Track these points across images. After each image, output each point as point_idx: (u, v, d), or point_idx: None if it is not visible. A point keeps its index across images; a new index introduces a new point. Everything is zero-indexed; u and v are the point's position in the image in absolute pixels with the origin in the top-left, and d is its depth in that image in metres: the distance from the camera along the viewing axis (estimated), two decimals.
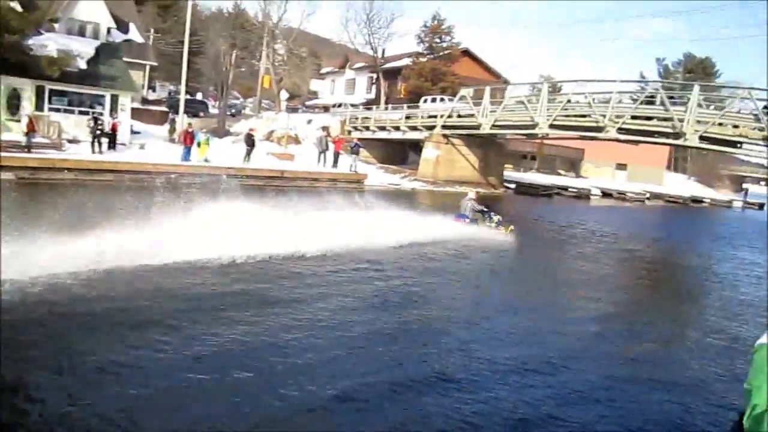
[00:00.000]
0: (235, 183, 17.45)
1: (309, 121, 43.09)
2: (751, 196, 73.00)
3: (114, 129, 27.73)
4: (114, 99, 29.48)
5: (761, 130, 25.71)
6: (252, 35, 52.57)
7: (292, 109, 48.66)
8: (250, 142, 29.82)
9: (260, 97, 51.23)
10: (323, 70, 66.07)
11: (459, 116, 38.01)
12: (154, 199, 13.05)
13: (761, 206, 65.73)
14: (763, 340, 1.25)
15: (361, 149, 35.88)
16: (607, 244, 22.03)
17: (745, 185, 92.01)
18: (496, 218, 17.98)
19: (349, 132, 42.39)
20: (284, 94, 41.61)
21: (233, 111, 50.35)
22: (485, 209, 18.27)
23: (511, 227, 17.72)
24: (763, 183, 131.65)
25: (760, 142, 26.21)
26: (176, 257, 10.60)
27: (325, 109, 54.91)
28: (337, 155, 33.47)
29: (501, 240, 17.02)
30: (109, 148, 27.12)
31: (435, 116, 39.01)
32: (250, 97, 65.50)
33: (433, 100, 43.33)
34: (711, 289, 15.93)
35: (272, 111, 46.42)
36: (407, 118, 41.05)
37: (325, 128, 40.87)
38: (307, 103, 61.96)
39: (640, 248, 22.12)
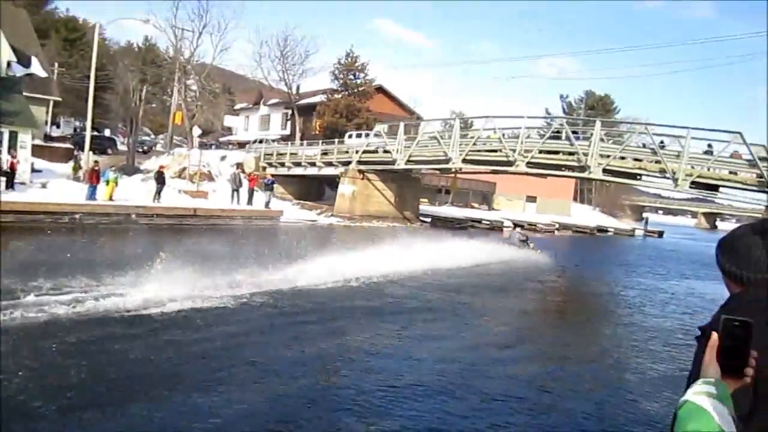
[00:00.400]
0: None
1: (223, 158, 42.42)
2: (651, 225, 77.09)
3: (12, 168, 26.31)
4: (13, 136, 27.97)
5: (658, 162, 27.29)
6: (163, 70, 51.56)
7: (206, 146, 47.80)
8: (160, 179, 28.99)
9: (172, 133, 50.07)
10: (237, 106, 65.47)
11: (374, 152, 38.44)
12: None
13: (660, 234, 69.46)
14: (687, 396, 1.24)
15: (275, 185, 35.62)
16: (524, 275, 22.58)
17: (645, 214, 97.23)
18: (532, 244, 27.95)
19: (264, 168, 42.02)
20: (197, 131, 40.81)
21: (145, 147, 48.96)
22: (525, 238, 28.56)
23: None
24: (660, 212, 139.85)
25: (657, 174, 27.79)
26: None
27: (240, 145, 54.32)
28: (251, 192, 33.05)
29: (536, 257, 25.44)
30: (7, 187, 25.68)
31: (350, 152, 39.29)
32: (161, 133, 64.00)
33: (359, 136, 43.39)
34: (620, 315, 16.57)
35: (184, 147, 45.44)
36: (324, 154, 41.16)
37: (239, 165, 40.34)
38: (221, 139, 61.14)
39: (553, 278, 22.79)
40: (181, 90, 46.49)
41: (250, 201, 32.83)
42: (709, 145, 27.38)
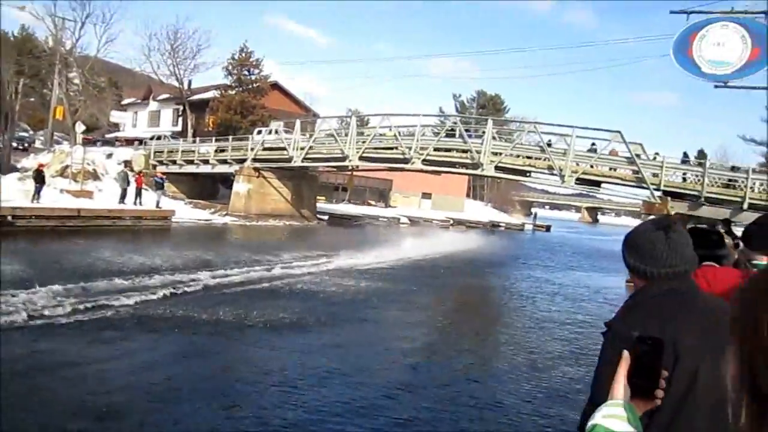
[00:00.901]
0: None
1: (109, 155, 40.37)
2: (539, 219, 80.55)
3: None
4: None
5: (546, 160, 28.52)
6: (42, 62, 48.35)
7: (90, 143, 45.27)
8: (39, 178, 27.16)
9: (52, 129, 47.05)
10: (125, 101, 62.45)
11: (270, 149, 37.84)
12: None
13: (548, 228, 72.64)
14: (597, 419, 1.19)
15: (165, 184, 34.37)
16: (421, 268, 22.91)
17: (533, 209, 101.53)
18: None
19: (154, 166, 40.40)
20: (80, 127, 38.47)
21: (24, 144, 45.72)
22: None
23: None
24: (547, 207, 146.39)
25: (546, 171, 29.05)
26: None
27: (128, 142, 51.87)
28: (139, 191, 31.66)
29: None
30: None
31: (245, 149, 38.46)
32: (41, 129, 60.02)
33: (269, 132, 41.04)
34: (512, 307, 17.14)
35: (67, 144, 42.86)
36: (221, 151, 40.04)
37: (127, 163, 38.55)
38: (107, 135, 58.13)
39: (449, 271, 23.26)
40: (62, 83, 43.79)
41: (138, 200, 31.46)
42: (593, 144, 28.92)
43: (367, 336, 11.73)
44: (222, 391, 7.68)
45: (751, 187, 24.19)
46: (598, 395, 1.59)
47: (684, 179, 26.63)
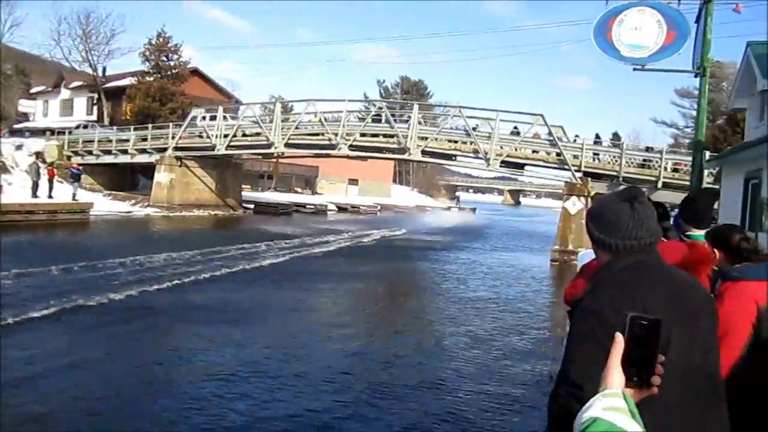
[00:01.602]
0: None
1: (19, 147, 38.28)
2: (462, 203, 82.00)
3: None
4: None
5: (471, 143, 28.95)
6: None
7: None
8: None
9: None
10: (34, 90, 59.25)
11: (192, 137, 36.83)
12: None
13: (473, 210, 74.16)
14: (596, 412, 1.08)
15: (82, 176, 32.94)
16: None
17: (457, 193, 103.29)
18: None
19: (69, 157, 38.62)
20: None
21: None
22: None
23: None
24: (471, 190, 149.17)
25: (471, 154, 29.49)
26: None
27: (39, 132, 49.27)
28: (51, 183, 30.17)
29: None
30: None
31: (166, 138, 37.24)
32: None
33: (212, 118, 39.14)
34: (446, 288, 17.30)
35: None
36: (142, 140, 38.60)
37: (38, 154, 36.65)
38: (16, 126, 55.03)
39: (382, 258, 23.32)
40: None
41: (50, 194, 29.99)
42: (515, 127, 29.53)
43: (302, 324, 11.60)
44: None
45: (665, 167, 25.33)
46: (577, 377, 1.54)
47: (595, 158, 27.52)
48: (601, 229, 1.89)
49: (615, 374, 1.11)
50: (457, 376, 8.69)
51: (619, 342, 1.12)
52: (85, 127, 43.38)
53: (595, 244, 1.94)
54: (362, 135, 31.76)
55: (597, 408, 1.06)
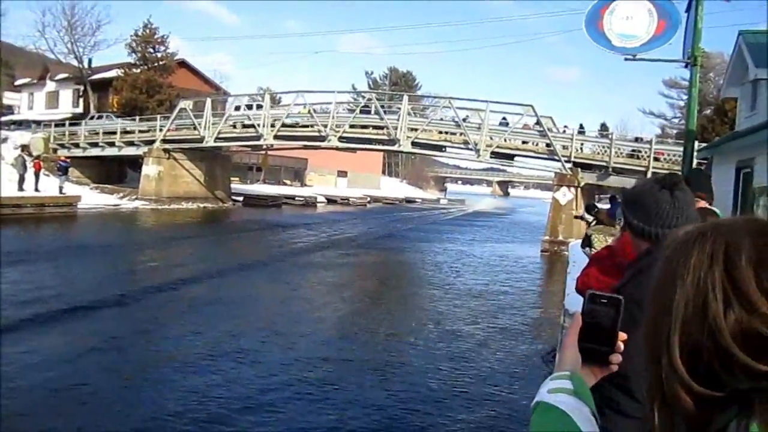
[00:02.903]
0: None
1: (4, 140, 37.84)
2: (450, 194, 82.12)
3: None
4: None
5: (462, 134, 28.92)
6: None
7: None
8: None
9: None
10: (18, 82, 58.50)
11: (180, 129, 36.55)
12: None
13: (462, 201, 74.36)
14: (541, 395, 1.04)
15: (70, 168, 32.64)
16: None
17: (446, 184, 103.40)
18: None
19: (55, 150, 38.25)
20: None
21: None
22: None
23: None
24: (460, 182, 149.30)
25: (462, 145, 29.46)
26: None
27: (24, 125, 48.70)
28: (37, 176, 29.86)
29: None
30: None
31: (153, 130, 36.91)
32: None
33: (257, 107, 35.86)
34: (437, 279, 17.29)
35: None
36: (124, 132, 38.24)
37: (24, 147, 36.24)
38: (1, 119, 54.43)
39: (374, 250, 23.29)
40: None
41: (37, 187, 29.69)
42: (504, 118, 29.54)
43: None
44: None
45: (655, 158, 25.43)
46: (623, 368, 1.51)
47: (581, 149, 27.51)
48: (640, 217, 1.85)
49: (568, 353, 1.07)
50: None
51: (577, 320, 1.05)
52: (99, 117, 42.38)
53: (632, 231, 1.90)
54: (352, 126, 31.64)
55: (543, 391, 1.03)
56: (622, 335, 1.03)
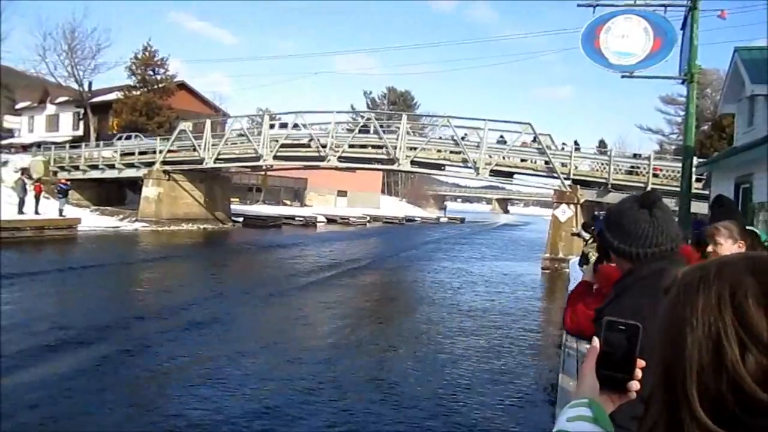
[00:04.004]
0: None
1: (4, 163, 37.95)
2: (450, 212, 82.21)
3: None
4: None
5: (460, 153, 29.02)
6: None
7: None
8: None
9: None
10: (18, 105, 58.85)
11: (180, 150, 36.64)
12: None
13: (462, 220, 74.34)
14: (561, 425, 1.03)
15: (70, 191, 32.70)
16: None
17: (445, 203, 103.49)
18: None
19: (55, 173, 38.35)
20: None
21: None
22: None
23: None
24: (459, 200, 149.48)
25: (460, 164, 29.54)
26: None
27: (24, 148, 48.89)
28: (37, 199, 29.90)
29: None
30: None
31: (154, 152, 37.01)
32: None
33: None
34: (438, 297, 17.25)
35: None
36: (124, 155, 38.34)
37: (24, 170, 36.33)
38: (1, 142, 54.64)
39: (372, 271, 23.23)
40: None
41: (37, 210, 29.71)
42: (501, 136, 29.68)
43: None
44: None
45: (654, 174, 25.47)
46: None
47: (576, 167, 27.49)
48: (620, 238, 1.85)
49: (586, 381, 1.06)
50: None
51: (594, 347, 1.05)
52: (128, 138, 41.60)
53: (614, 253, 1.90)
54: (351, 146, 31.75)
55: (562, 420, 1.02)
56: (641, 362, 1.02)
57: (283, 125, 34.69)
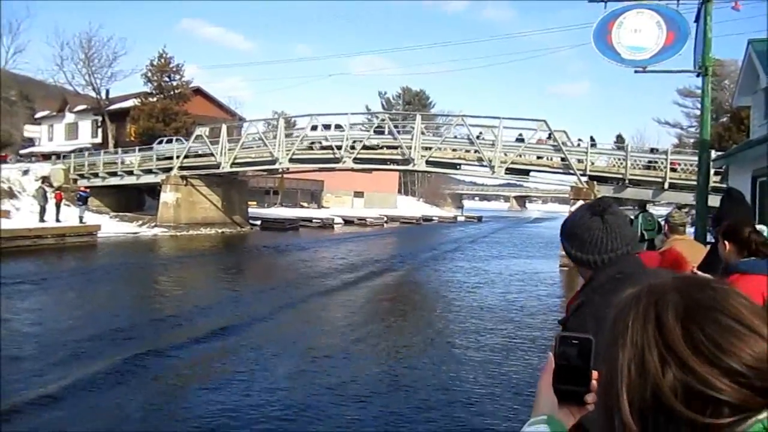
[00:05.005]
0: None
1: (25, 172, 38.49)
2: (467, 211, 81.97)
3: None
4: None
5: (476, 151, 28.95)
6: None
7: (2, 160, 42.99)
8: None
9: None
10: (38, 115, 59.72)
11: (196, 156, 36.94)
12: None
13: (479, 219, 74.12)
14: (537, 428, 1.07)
15: (89, 198, 33.13)
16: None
17: (463, 201, 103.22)
18: None
19: (75, 180, 38.84)
20: None
21: None
22: None
23: None
24: (477, 198, 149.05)
25: (476, 163, 29.47)
26: None
27: (45, 157, 49.59)
28: (58, 206, 30.33)
29: None
30: None
31: (171, 158, 37.37)
32: None
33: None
34: (455, 297, 17.25)
35: None
36: (146, 160, 38.75)
37: (45, 179, 36.85)
38: (22, 152, 55.46)
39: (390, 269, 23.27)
40: None
41: (58, 217, 30.13)
42: (520, 134, 29.56)
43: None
44: None
45: (672, 168, 25.22)
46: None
47: (592, 162, 27.33)
48: (576, 247, 1.90)
49: (543, 397, 1.08)
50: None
51: (550, 363, 1.07)
52: (169, 141, 41.15)
53: (573, 262, 1.95)
54: (366, 147, 31.80)
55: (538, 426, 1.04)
56: (596, 374, 1.02)
57: (299, 128, 34.91)
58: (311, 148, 33.82)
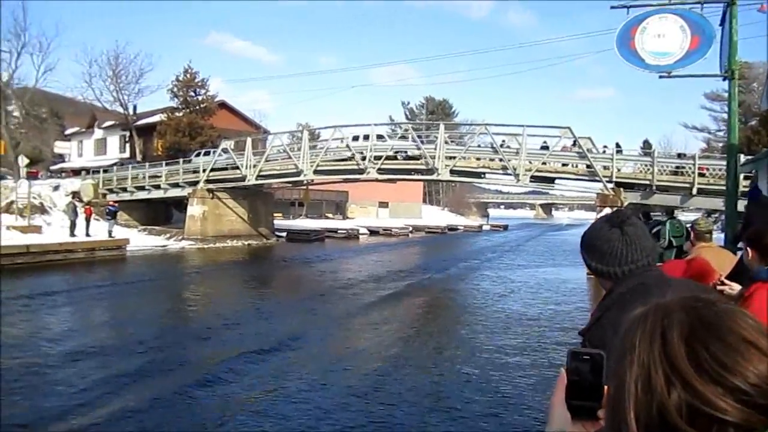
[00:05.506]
0: None
1: (56, 187, 39.22)
2: (492, 219, 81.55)
3: None
4: None
5: (500, 160, 28.84)
6: None
7: (34, 176, 43.79)
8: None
9: None
10: (68, 131, 60.80)
11: (222, 169, 37.33)
12: None
13: (505, 227, 73.64)
14: None
15: (118, 212, 33.64)
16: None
17: (488, 210, 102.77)
18: None
19: (104, 195, 39.46)
20: (23, 160, 37.29)
21: None
22: None
23: None
24: (502, 207, 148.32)
25: (500, 171, 29.35)
26: None
27: (74, 172, 50.48)
28: (88, 221, 30.85)
29: None
30: None
31: (197, 171, 37.82)
32: None
33: (206, 153, 39.63)
34: (480, 306, 17.17)
35: (10, 179, 41.45)
36: (172, 174, 39.25)
37: (75, 194, 37.50)
38: (52, 167, 56.49)
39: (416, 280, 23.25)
40: (1, 117, 42.41)
41: (88, 232, 30.65)
42: (544, 142, 29.36)
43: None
44: None
45: (700, 173, 24.84)
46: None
47: (619, 169, 27.00)
48: (596, 259, 1.91)
49: (556, 413, 1.08)
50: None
51: (562, 378, 1.07)
52: (207, 153, 40.43)
53: (594, 274, 1.96)
54: (389, 158, 31.83)
55: None
56: (608, 389, 1.05)
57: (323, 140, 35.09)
58: (336, 160, 33.97)
